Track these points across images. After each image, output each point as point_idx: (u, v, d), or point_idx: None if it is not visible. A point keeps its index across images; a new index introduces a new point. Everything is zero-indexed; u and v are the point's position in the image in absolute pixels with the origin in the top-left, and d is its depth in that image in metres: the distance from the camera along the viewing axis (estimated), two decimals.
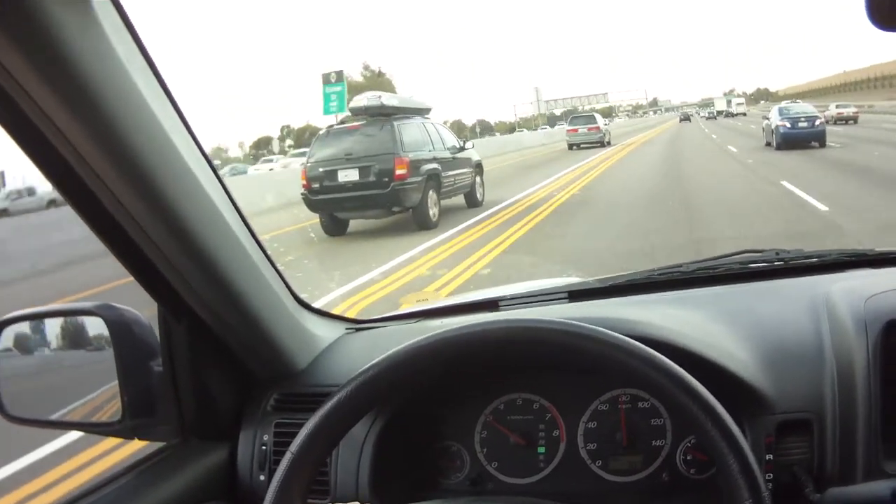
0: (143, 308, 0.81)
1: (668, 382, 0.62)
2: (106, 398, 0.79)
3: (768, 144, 16.69)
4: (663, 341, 0.78)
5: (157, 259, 0.73)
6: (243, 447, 0.88)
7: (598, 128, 26.07)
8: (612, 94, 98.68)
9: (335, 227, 8.30)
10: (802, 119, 15.38)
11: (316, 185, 8.03)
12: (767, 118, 17.43)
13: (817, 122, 15.36)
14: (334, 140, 8.43)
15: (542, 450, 0.87)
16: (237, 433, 0.89)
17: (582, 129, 26.14)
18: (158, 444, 0.84)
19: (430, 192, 8.22)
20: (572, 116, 29.27)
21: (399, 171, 7.82)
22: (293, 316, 0.89)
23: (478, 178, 10.09)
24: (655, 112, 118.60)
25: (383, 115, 8.55)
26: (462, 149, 9.66)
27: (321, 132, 8.96)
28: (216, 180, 0.74)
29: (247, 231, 0.79)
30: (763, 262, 1.05)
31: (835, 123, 24.76)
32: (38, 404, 0.81)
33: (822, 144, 15.17)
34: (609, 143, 26.27)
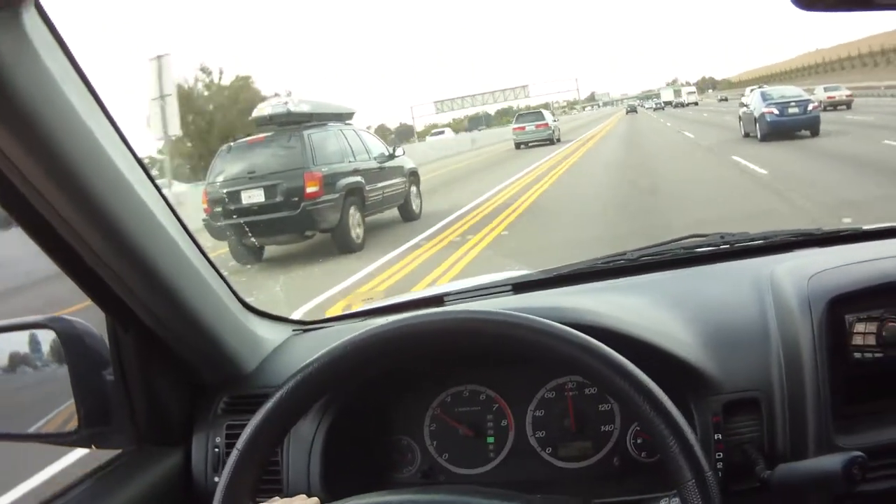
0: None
1: (602, 366, 0.75)
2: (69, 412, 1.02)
3: (747, 135, 17.11)
4: (604, 327, 0.96)
5: (100, 269, 0.91)
6: (197, 451, 1.11)
7: (546, 125, 28.65)
8: (535, 87, 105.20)
9: (248, 255, 8.44)
10: (792, 104, 15.51)
11: (218, 209, 8.18)
12: (745, 105, 17.90)
13: (810, 108, 15.56)
14: (236, 156, 8.61)
15: (491, 440, 1.10)
16: (191, 437, 1.12)
17: (529, 127, 28.69)
18: (116, 452, 1.07)
19: (352, 210, 8.52)
20: (518, 114, 32.50)
21: (310, 189, 8.02)
22: (239, 319, 1.13)
23: (413, 189, 10.50)
24: (592, 107, 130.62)
25: (293, 124, 8.78)
26: (391, 156, 10.02)
27: (222, 148, 9.14)
28: (154, 189, 0.94)
29: (188, 238, 1.00)
30: (708, 245, 1.30)
31: (824, 109, 24.92)
32: None
33: (815, 133, 15.45)
34: (559, 140, 28.73)
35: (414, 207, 10.47)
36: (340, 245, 8.35)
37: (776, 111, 15.52)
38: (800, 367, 0.94)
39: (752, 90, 33.36)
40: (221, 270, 1.08)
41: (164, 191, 0.98)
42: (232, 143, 9.10)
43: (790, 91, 16.70)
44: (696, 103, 72.93)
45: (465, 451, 1.10)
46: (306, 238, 8.61)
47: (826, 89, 31.72)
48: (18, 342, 1.04)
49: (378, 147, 10.13)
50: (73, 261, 0.91)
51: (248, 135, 9.29)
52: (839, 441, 0.91)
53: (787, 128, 15.48)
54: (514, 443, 1.09)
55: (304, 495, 0.85)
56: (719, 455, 0.92)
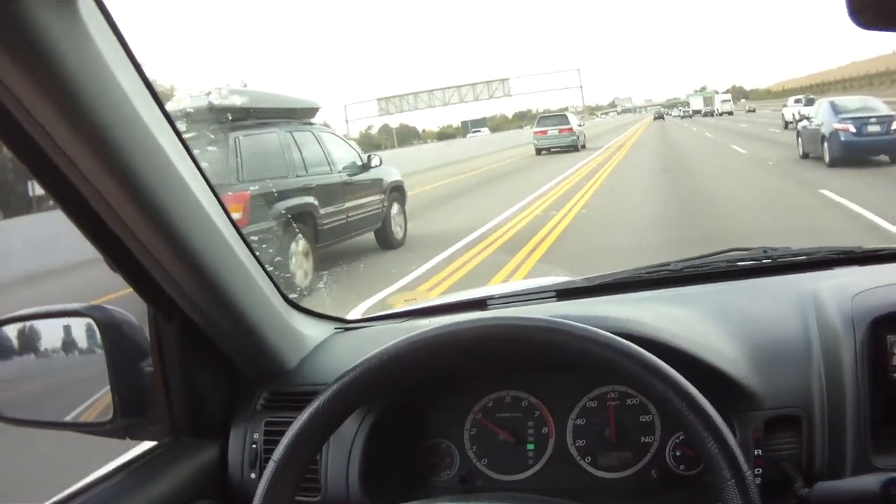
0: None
1: (642, 370, 0.94)
2: (105, 402, 1.31)
3: (806, 156, 17.32)
4: (649, 338, 1.20)
5: (146, 260, 1.15)
6: (234, 446, 1.39)
7: (570, 129, 31.94)
8: (520, 82, 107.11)
9: None
10: (873, 120, 15.27)
11: None
12: (806, 118, 17.96)
13: (894, 126, 15.15)
14: None
15: (531, 447, 1.36)
16: (228, 432, 1.40)
17: (552, 131, 32.05)
18: (150, 444, 1.34)
19: (295, 243, 8.05)
20: (541, 117, 37.01)
21: (232, 215, 7.35)
22: (282, 315, 1.41)
23: (395, 207, 10.49)
24: (604, 114, 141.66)
25: (220, 123, 7.97)
26: (366, 167, 9.98)
27: None
28: (204, 182, 1.18)
29: (234, 232, 1.28)
30: (751, 259, 1.63)
31: None
32: (31, 406, 1.32)
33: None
34: (584, 147, 31.65)
35: (395, 232, 10.55)
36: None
37: (852, 129, 15.27)
38: (841, 385, 1.18)
39: (797, 100, 33.37)
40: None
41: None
42: None
43: (869, 103, 16.69)
44: (730, 112, 77.93)
45: (505, 456, 1.38)
46: None
47: None
48: (57, 329, 1.33)
49: (347, 155, 10.11)
50: (118, 250, 1.15)
51: None
52: (877, 461, 1.13)
53: (865, 151, 15.36)
54: (553, 450, 1.36)
55: None
56: (758, 471, 1.16)
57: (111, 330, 1.30)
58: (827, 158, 15.76)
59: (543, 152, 32.05)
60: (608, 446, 1.35)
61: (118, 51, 1.01)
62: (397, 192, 10.84)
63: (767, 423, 1.19)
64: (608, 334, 0.98)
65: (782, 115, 36.26)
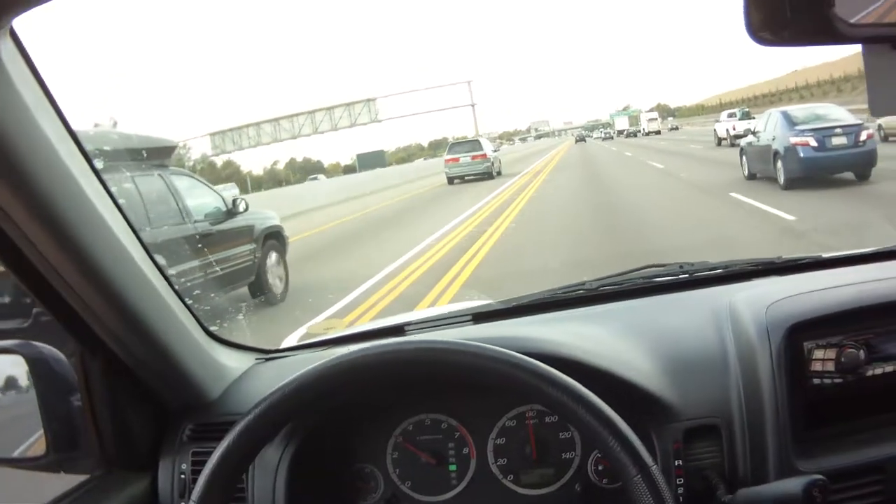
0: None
1: (537, 380, 1.11)
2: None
3: (753, 177, 16.98)
4: (561, 356, 1.39)
5: (70, 297, 1.35)
6: (163, 477, 1.63)
7: (484, 155, 33.92)
8: (388, 102, 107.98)
9: None
10: (837, 131, 14.56)
11: None
12: (752, 133, 17.29)
13: (863, 137, 14.52)
14: None
15: (453, 467, 1.62)
16: (157, 463, 1.64)
17: (464, 158, 33.84)
18: (84, 477, 1.57)
19: None
20: (452, 143, 39.39)
21: None
22: (203, 348, 1.66)
23: (272, 257, 10.42)
24: (512, 141, 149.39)
25: None
26: (231, 213, 9.93)
27: None
28: (121, 217, 1.39)
29: (154, 268, 1.51)
30: (667, 275, 1.91)
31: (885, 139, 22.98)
32: None
33: (865, 176, 14.62)
34: (500, 174, 33.68)
35: (273, 285, 10.48)
36: None
37: (813, 142, 14.53)
38: (759, 393, 1.39)
39: (730, 114, 34.01)
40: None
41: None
42: None
43: (830, 111, 15.89)
44: (657, 132, 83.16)
45: (428, 478, 1.64)
46: None
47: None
48: None
49: (209, 201, 10.06)
50: (41, 285, 1.35)
51: None
52: (800, 465, 1.32)
53: (828, 168, 14.66)
54: (475, 470, 1.61)
55: None
56: (680, 481, 1.36)
57: (40, 366, 1.54)
58: (782, 179, 15.10)
59: (457, 181, 34.21)
60: (530, 464, 1.58)
61: (38, 93, 1.19)
62: (274, 239, 10.80)
63: (687, 434, 1.40)
64: (501, 349, 1.17)
65: (714, 131, 38.58)
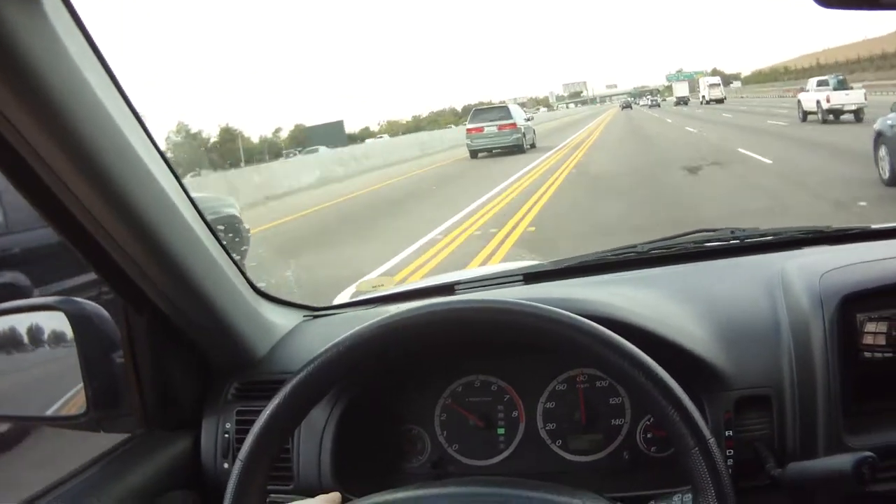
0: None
1: (598, 344, 1.08)
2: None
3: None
4: (614, 319, 1.37)
5: (116, 253, 1.34)
6: (206, 436, 1.61)
7: (514, 125, 29.97)
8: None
9: None
10: None
11: None
12: None
13: None
14: None
15: (501, 431, 1.58)
16: (200, 422, 1.62)
17: (489, 129, 29.87)
18: (124, 435, 1.56)
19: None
20: (475, 110, 33.44)
21: None
22: (251, 305, 1.64)
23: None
24: (536, 111, 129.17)
25: None
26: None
27: None
28: (171, 175, 1.36)
29: (202, 223, 1.48)
30: (718, 240, 1.88)
31: None
32: (7, 400, 1.54)
33: None
34: (533, 147, 29.08)
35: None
36: None
37: None
38: (811, 365, 1.36)
39: (821, 82, 28.29)
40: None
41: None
42: None
43: None
44: (720, 100, 75.02)
45: (475, 441, 1.60)
46: None
47: None
48: (29, 323, 1.55)
49: None
50: (87, 243, 1.33)
51: None
52: (849, 441, 1.30)
53: None
54: (524, 434, 1.58)
55: (325, 494, 1.23)
56: (730, 452, 1.34)
57: (82, 323, 1.52)
58: None
59: (481, 154, 29.82)
60: (578, 429, 1.57)
61: (84, 47, 1.17)
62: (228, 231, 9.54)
63: (738, 404, 1.38)
64: (560, 311, 1.12)
65: (798, 102, 31.96)
